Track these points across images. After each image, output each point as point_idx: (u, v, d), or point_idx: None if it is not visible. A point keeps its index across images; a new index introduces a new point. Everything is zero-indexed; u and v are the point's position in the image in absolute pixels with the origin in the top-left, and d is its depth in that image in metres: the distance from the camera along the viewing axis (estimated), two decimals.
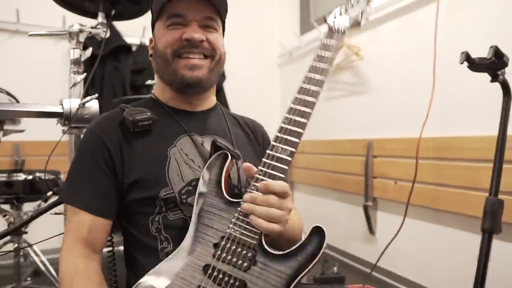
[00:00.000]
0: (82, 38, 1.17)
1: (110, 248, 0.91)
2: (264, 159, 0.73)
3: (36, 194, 1.43)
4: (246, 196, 0.70)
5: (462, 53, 1.11)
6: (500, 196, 1.13)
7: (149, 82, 1.80)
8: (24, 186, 1.41)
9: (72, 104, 1.11)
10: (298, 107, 0.75)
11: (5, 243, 1.82)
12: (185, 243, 0.73)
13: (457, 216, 1.86)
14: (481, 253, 1.13)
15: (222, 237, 0.71)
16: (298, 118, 0.74)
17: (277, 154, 0.73)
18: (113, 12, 1.28)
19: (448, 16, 1.92)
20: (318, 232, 0.70)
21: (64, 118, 1.10)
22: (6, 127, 1.27)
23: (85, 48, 2.42)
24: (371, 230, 2.43)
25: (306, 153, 3.14)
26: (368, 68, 2.48)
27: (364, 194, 2.41)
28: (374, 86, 2.44)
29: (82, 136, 0.90)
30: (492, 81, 1.13)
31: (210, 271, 0.69)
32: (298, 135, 0.73)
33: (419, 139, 1.98)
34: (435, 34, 1.93)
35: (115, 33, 2.77)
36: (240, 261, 0.69)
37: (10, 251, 1.54)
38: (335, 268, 2.37)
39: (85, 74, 1.16)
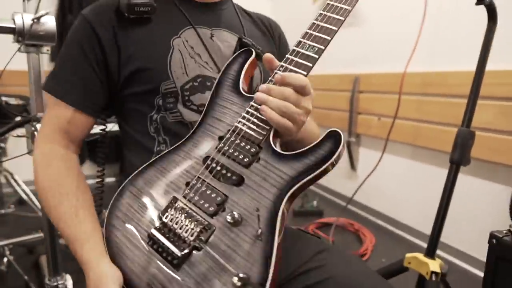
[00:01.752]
0: None
1: (100, 180, 0.84)
2: (287, 55, 0.67)
3: (3, 118, 1.39)
4: (262, 86, 0.65)
5: None
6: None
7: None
8: None
9: (24, 19, 1.03)
10: (335, 3, 0.70)
11: None
12: (192, 134, 0.70)
13: (436, 152, 1.86)
14: (446, 183, 1.13)
15: (228, 130, 0.66)
16: (333, 15, 0.68)
17: (303, 51, 0.67)
18: None
19: None
20: (333, 136, 0.60)
21: (17, 34, 1.03)
22: None
23: None
24: (352, 166, 2.45)
25: None
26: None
27: (347, 130, 2.39)
28: (365, 17, 2.32)
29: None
30: (477, 3, 1.05)
31: (209, 162, 0.64)
32: (331, 32, 0.67)
33: (404, 73, 1.91)
34: None
35: None
36: (242, 156, 0.62)
37: None
38: (314, 202, 2.43)
39: None
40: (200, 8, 0.83)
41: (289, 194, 0.58)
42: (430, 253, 1.13)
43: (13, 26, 1.02)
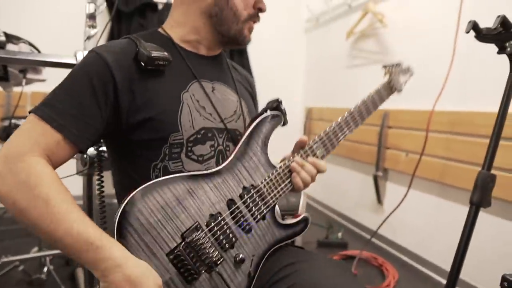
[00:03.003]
0: None
1: (102, 200, 0.93)
2: (312, 145, 0.91)
3: None
4: (298, 159, 0.88)
5: (470, 22, 1.08)
6: (495, 172, 1.14)
7: None
8: None
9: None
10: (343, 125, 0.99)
11: None
12: (222, 169, 0.80)
13: (463, 191, 1.86)
14: (466, 225, 1.15)
15: (252, 185, 0.82)
16: (338, 133, 0.96)
17: (316, 151, 0.91)
18: None
19: None
20: (305, 221, 0.89)
21: None
22: (28, 75, 1.37)
23: (111, 4, 2.48)
24: (379, 200, 2.46)
25: (324, 120, 3.15)
26: (390, 37, 2.42)
27: (375, 164, 2.42)
28: (395, 55, 2.39)
29: (85, 55, 0.79)
30: (499, 52, 1.11)
31: (233, 207, 0.78)
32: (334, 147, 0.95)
33: (431, 112, 1.96)
34: (460, 3, 1.85)
35: None
36: (256, 213, 0.81)
37: None
38: (339, 234, 2.45)
39: (97, 29, 1.21)
40: (202, 61, 0.91)
41: (272, 249, 0.84)
42: None
43: (74, 62, 1.18)
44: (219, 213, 0.76)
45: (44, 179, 0.66)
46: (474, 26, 1.08)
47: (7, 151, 0.67)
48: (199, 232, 0.73)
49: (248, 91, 1.04)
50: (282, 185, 0.86)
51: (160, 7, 2.93)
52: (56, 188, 0.66)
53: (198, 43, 0.91)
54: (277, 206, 0.87)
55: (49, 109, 0.71)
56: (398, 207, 2.08)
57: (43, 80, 1.45)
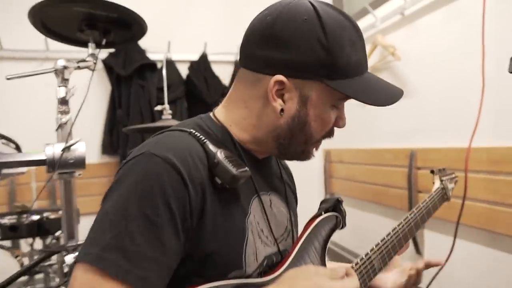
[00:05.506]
0: (67, 75, 1.08)
1: None
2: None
3: (45, 234, 1.39)
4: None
5: None
6: None
7: (158, 108, 1.69)
8: (31, 228, 1.36)
9: (55, 149, 1.02)
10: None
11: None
12: (276, 276, 0.68)
13: None
14: None
15: None
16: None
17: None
18: (103, 41, 1.18)
19: (499, 2, 1.63)
20: None
21: (48, 165, 1.02)
22: (4, 171, 1.22)
23: (109, 69, 2.40)
24: (417, 250, 2.18)
25: (344, 162, 2.93)
26: (407, 69, 2.22)
27: (408, 209, 2.16)
28: (414, 89, 2.18)
29: (141, 160, 0.58)
30: None
31: None
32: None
33: (468, 149, 1.71)
34: (482, 25, 1.64)
35: (139, 51, 2.74)
36: None
37: None
38: None
39: (69, 115, 1.06)
40: (259, 166, 0.76)
41: None
42: None
43: (43, 158, 1.02)
44: None
45: None
46: None
47: None
48: None
49: (292, 190, 0.90)
50: None
51: (159, 65, 2.84)
52: None
53: (256, 150, 0.75)
54: None
55: (117, 254, 0.51)
56: (446, 261, 1.80)
57: (22, 173, 1.30)
